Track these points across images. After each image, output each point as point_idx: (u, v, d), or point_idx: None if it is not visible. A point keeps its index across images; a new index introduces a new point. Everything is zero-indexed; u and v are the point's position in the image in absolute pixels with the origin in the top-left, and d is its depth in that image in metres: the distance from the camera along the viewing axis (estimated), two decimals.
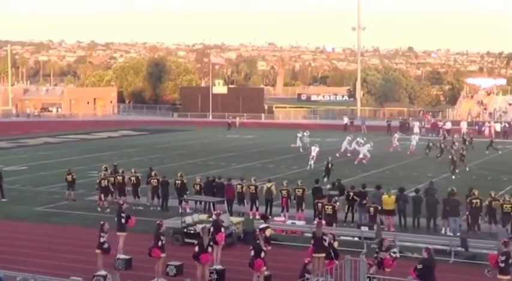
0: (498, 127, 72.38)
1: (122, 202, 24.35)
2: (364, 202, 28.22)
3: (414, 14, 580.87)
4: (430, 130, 73.37)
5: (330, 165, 39.54)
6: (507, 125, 73.73)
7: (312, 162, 44.98)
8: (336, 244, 20.28)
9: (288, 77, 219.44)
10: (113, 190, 31.99)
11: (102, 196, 31.68)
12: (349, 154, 50.82)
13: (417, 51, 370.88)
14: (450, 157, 43.78)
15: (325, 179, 37.44)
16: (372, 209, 26.91)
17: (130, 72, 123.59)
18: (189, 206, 30.01)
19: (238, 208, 30.27)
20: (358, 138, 51.37)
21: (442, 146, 50.55)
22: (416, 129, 70.20)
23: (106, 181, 31.78)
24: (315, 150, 46.15)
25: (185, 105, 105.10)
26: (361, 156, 48.26)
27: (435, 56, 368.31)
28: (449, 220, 26.85)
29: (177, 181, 31.33)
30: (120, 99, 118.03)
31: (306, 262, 18.62)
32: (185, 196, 30.08)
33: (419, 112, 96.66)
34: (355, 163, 47.23)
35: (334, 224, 25.88)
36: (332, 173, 38.60)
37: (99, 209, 31.21)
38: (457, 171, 42.36)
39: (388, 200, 27.53)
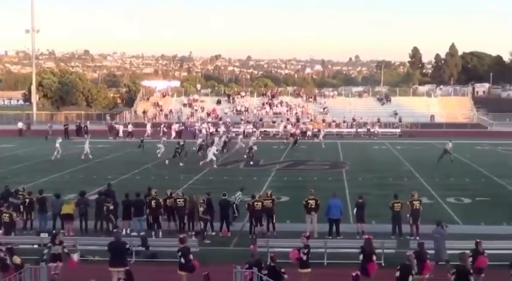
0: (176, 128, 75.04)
1: None
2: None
3: (89, 17, 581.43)
4: (106, 133, 73.89)
5: None
6: (182, 126, 76.79)
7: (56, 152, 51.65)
8: (18, 260, 19.42)
9: None
10: None
11: None
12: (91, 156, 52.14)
13: (93, 54, 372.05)
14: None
15: None
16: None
17: None
18: None
19: None
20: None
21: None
22: (120, 133, 72.46)
23: None
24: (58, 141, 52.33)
25: None
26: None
27: (111, 59, 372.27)
28: (134, 220, 27.34)
29: None
30: None
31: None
32: None
33: (109, 115, 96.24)
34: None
35: (13, 233, 25.09)
36: None
37: None
38: None
39: (67, 205, 27.24)
